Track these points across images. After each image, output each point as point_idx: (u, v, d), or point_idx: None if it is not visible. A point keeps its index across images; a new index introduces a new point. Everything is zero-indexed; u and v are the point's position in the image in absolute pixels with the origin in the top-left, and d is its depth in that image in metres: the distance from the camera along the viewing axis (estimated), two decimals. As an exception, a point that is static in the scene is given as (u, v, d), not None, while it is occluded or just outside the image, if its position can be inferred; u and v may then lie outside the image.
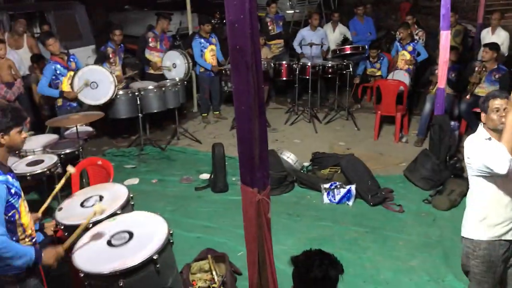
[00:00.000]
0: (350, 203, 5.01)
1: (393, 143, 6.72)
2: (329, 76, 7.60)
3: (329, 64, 7.51)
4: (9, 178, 2.65)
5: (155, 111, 6.54)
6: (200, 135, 7.24)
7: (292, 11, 11.35)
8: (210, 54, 7.54)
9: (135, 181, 5.72)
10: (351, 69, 7.51)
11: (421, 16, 10.32)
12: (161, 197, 5.33)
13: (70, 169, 3.31)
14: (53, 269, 3.43)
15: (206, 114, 7.99)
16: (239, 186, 5.35)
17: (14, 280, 2.76)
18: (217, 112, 8.07)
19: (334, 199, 5.03)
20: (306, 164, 5.84)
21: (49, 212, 4.58)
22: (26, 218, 2.81)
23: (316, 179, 5.36)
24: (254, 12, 1.62)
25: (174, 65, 7.10)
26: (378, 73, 7.87)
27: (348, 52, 7.59)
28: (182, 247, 4.04)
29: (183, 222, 4.70)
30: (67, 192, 4.59)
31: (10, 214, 2.63)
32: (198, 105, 8.25)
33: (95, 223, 2.99)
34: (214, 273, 3.65)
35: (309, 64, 7.36)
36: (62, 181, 3.32)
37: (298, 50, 8.27)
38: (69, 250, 2.84)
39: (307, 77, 7.41)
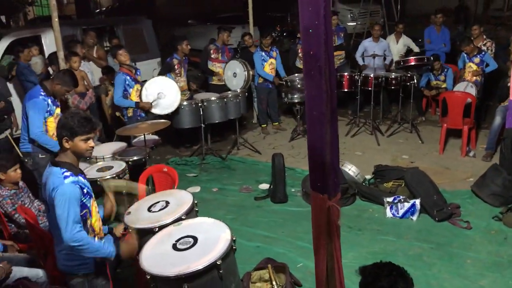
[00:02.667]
0: (414, 218, 4.85)
1: (459, 157, 6.46)
2: (392, 88, 7.44)
3: (392, 75, 7.37)
4: (81, 179, 2.80)
5: (217, 121, 6.68)
6: (259, 146, 7.31)
7: (354, 23, 11.26)
8: (269, 68, 7.68)
9: (196, 189, 5.85)
10: (415, 81, 7.32)
11: (490, 27, 9.91)
12: (222, 206, 5.41)
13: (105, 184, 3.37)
14: (119, 272, 3.58)
15: (265, 125, 8.08)
16: (298, 197, 5.38)
17: (84, 279, 2.90)
18: (276, 123, 8.12)
19: (398, 213, 4.89)
20: (368, 176, 5.73)
21: (117, 217, 4.79)
22: (96, 218, 2.96)
23: (378, 192, 5.24)
24: (329, 19, 1.63)
25: (235, 74, 7.24)
26: (443, 86, 7.62)
27: (413, 63, 7.40)
28: (242, 255, 4.07)
29: (243, 230, 4.73)
30: (132, 197, 4.79)
31: (82, 214, 2.77)
32: (258, 117, 8.35)
33: (161, 227, 3.08)
34: (274, 283, 3.64)
35: (371, 75, 7.26)
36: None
37: (361, 61, 8.17)
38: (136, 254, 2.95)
39: (369, 88, 7.30)
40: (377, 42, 8.02)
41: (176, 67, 6.90)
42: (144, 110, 5.97)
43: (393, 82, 7.34)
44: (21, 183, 4.24)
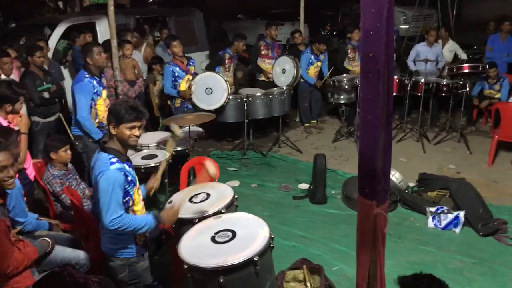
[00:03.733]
0: (457, 230, 4.70)
1: (509, 171, 6.21)
2: (443, 94, 7.23)
3: (444, 82, 7.16)
4: (126, 166, 2.87)
5: (261, 117, 6.71)
6: (301, 145, 7.28)
7: (407, 26, 11.00)
8: (314, 71, 7.72)
9: (236, 183, 5.89)
10: (467, 89, 7.08)
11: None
12: (260, 202, 5.43)
13: (177, 130, 3.48)
14: (156, 258, 3.66)
15: (308, 124, 8.04)
16: (338, 199, 5.33)
17: (125, 263, 2.99)
18: (314, 121, 8.11)
19: (440, 224, 4.76)
20: (411, 184, 5.60)
21: (156, 204, 4.90)
22: (139, 206, 3.03)
23: (421, 201, 5.11)
24: (391, 21, 1.60)
25: (284, 70, 7.23)
26: (497, 96, 7.34)
27: (466, 71, 7.16)
28: (277, 253, 4.05)
29: (280, 229, 4.73)
30: (174, 187, 4.88)
31: (125, 201, 2.85)
32: (300, 116, 8.32)
33: (201, 219, 3.12)
34: (308, 284, 3.62)
35: (422, 80, 7.08)
36: (170, 144, 3.56)
37: (412, 67, 7.98)
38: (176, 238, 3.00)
39: (419, 94, 7.13)
40: (430, 47, 7.81)
41: (226, 61, 7.00)
42: (190, 102, 6.07)
43: (444, 88, 7.13)
44: (69, 165, 4.40)
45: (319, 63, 7.73)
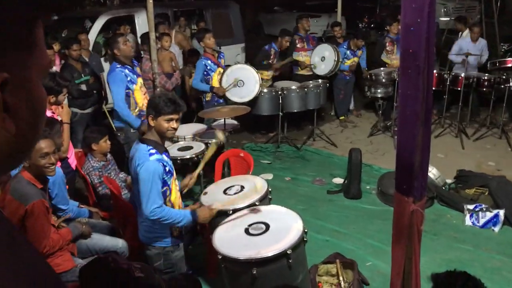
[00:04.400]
0: (496, 229, 4.59)
1: (554, 169, 5.99)
2: (484, 89, 7.02)
3: (485, 76, 6.95)
4: (164, 157, 2.94)
5: (295, 110, 6.69)
6: (336, 139, 7.24)
7: (447, 18, 10.71)
8: (349, 65, 7.63)
9: (269, 176, 5.91)
10: (510, 84, 6.85)
11: None
12: (293, 195, 5.43)
13: (219, 134, 3.52)
14: (191, 249, 3.73)
15: (343, 117, 7.98)
16: (373, 194, 5.29)
17: (160, 252, 3.07)
18: (343, 117, 8.02)
19: (478, 222, 4.65)
20: (449, 181, 5.49)
21: (191, 194, 4.98)
22: (175, 196, 3.10)
23: (459, 198, 5.01)
24: (433, 17, 1.58)
25: (323, 58, 7.18)
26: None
27: (510, 65, 6.93)
28: (311, 247, 4.06)
29: (313, 223, 4.73)
30: (208, 178, 4.95)
31: (162, 190, 2.92)
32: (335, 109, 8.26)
33: (236, 211, 3.17)
34: (341, 278, 3.62)
35: (462, 75, 6.90)
36: (213, 148, 3.54)
37: (455, 59, 7.74)
38: (210, 231, 3.06)
39: (459, 88, 6.95)
40: (475, 43, 7.58)
41: (271, 56, 7.03)
42: (220, 96, 6.10)
43: (485, 83, 6.93)
44: (109, 156, 4.52)
45: (355, 59, 7.65)
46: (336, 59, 7.06)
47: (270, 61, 7.08)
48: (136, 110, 4.91)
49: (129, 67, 4.87)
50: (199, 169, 3.47)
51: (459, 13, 11.17)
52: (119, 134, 5.03)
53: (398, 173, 1.89)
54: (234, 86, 6.02)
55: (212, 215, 3.07)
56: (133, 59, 5.14)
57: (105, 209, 4.12)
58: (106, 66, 7.31)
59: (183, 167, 4.76)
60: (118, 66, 4.79)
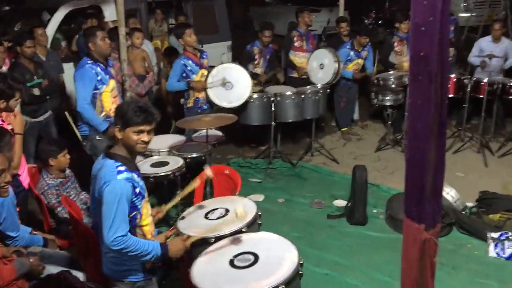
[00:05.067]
0: (525, 261, 4.63)
1: None
2: (510, 97, 7.11)
3: (512, 82, 7.06)
4: (135, 176, 2.93)
5: (290, 120, 6.71)
6: (338, 154, 7.27)
7: (468, 14, 10.89)
8: (353, 68, 7.76)
9: (259, 197, 5.92)
10: (541, 91, 6.97)
11: None
12: (287, 220, 5.44)
13: (208, 172, 3.53)
14: (164, 283, 3.71)
15: (346, 129, 8.04)
16: (381, 220, 5.32)
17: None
18: (345, 128, 8.08)
19: (503, 253, 4.69)
20: (469, 204, 5.53)
21: (166, 220, 4.96)
22: (147, 221, 3.09)
23: (481, 225, 5.05)
24: (446, 15, 1.61)
25: (322, 65, 7.23)
26: None
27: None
28: (307, 282, 4.02)
29: (310, 253, 4.72)
30: (187, 200, 4.93)
31: (131, 216, 2.90)
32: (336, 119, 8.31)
33: (219, 239, 3.16)
34: (343, 319, 3.63)
35: (485, 80, 6.98)
36: (196, 182, 3.54)
37: (476, 61, 7.84)
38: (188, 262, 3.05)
39: (481, 96, 7.04)
40: (497, 43, 7.70)
41: (256, 56, 7.05)
42: (205, 98, 6.08)
43: (512, 91, 7.03)
44: (68, 171, 4.50)
45: (359, 61, 7.72)
46: (335, 72, 7.10)
47: (255, 62, 7.10)
48: (102, 114, 4.91)
49: (102, 65, 4.89)
50: (172, 203, 3.47)
51: (481, 8, 11.37)
52: (84, 143, 5.02)
53: (407, 195, 1.90)
54: (223, 85, 5.98)
55: (187, 247, 3.06)
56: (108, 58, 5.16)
57: (63, 236, 4.09)
58: (68, 66, 7.30)
59: (157, 187, 4.76)
60: (89, 62, 4.81)
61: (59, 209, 4.24)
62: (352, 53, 7.63)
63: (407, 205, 1.89)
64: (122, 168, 2.84)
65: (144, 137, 2.91)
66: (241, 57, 7.50)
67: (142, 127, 2.88)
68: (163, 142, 5.33)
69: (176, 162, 4.76)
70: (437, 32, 1.59)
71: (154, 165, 4.77)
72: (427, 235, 1.87)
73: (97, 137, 4.91)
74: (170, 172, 4.55)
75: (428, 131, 1.69)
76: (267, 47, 7.38)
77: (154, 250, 2.91)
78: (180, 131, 6.03)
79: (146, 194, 3.06)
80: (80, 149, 5.13)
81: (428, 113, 1.67)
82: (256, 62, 7.09)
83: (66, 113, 6.12)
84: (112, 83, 5.02)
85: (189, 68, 5.93)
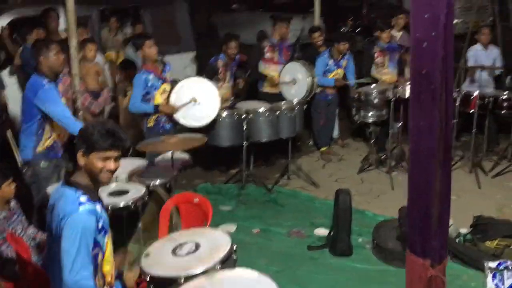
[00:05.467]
0: (527, 292, 4.69)
1: None
2: (503, 112, 7.26)
3: (505, 95, 7.21)
4: (98, 208, 2.87)
5: (264, 140, 6.72)
6: (317, 176, 7.30)
7: (454, 21, 11.13)
8: None
9: (231, 228, 5.87)
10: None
11: None
12: (264, 253, 5.40)
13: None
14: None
15: (325, 149, 8.07)
16: (367, 250, 5.33)
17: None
18: (324, 149, 8.13)
19: (503, 285, 4.73)
20: (464, 230, 5.58)
21: (128, 258, 4.86)
22: (109, 260, 3.02)
23: (477, 254, 5.10)
24: (450, 29, 1.62)
25: (294, 80, 7.27)
26: None
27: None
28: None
29: (291, 289, 4.72)
30: (150, 233, 4.86)
31: (93, 254, 2.83)
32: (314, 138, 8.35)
33: (187, 278, 3.10)
34: None
35: (475, 93, 7.12)
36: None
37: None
38: None
39: (471, 111, 7.17)
40: (486, 50, 7.88)
41: (220, 70, 7.03)
42: (168, 117, 6.03)
43: (504, 104, 7.17)
44: (13, 203, 4.38)
45: (339, 71, 7.78)
46: (309, 88, 7.16)
47: (219, 77, 7.07)
48: (50, 140, 4.84)
49: (55, 84, 4.89)
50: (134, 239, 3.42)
51: (467, 14, 11.64)
52: (24, 170, 4.91)
53: (412, 228, 1.90)
54: (194, 103, 5.96)
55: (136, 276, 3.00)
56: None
57: (9, 278, 3.97)
58: (10, 81, 7.17)
59: (116, 220, 4.66)
60: (46, 81, 4.78)
61: (3, 247, 4.12)
62: (331, 62, 7.68)
63: (411, 239, 1.89)
64: (84, 198, 2.78)
65: (110, 164, 2.86)
66: (205, 73, 7.50)
67: (108, 153, 2.83)
68: (121, 167, 5.24)
69: (137, 190, 4.67)
70: (441, 48, 1.60)
71: (111, 194, 4.68)
72: (434, 272, 1.87)
73: (42, 163, 4.82)
74: (130, 202, 4.47)
75: (433, 157, 1.70)
76: (233, 60, 7.33)
77: None
78: (139, 153, 5.97)
79: (109, 229, 2.99)
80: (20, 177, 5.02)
81: (432, 136, 1.68)
82: (220, 76, 7.03)
83: (8, 134, 6.00)
84: (63, 101, 4.97)
85: (150, 83, 5.89)
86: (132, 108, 6.03)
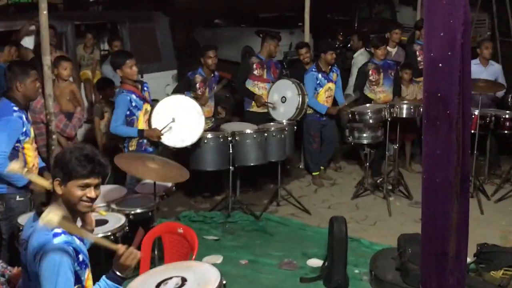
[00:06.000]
0: (536, 326, 4.67)
1: None
2: (505, 132, 7.31)
3: (506, 115, 7.26)
4: (76, 240, 2.81)
5: (252, 164, 6.70)
6: (308, 202, 7.29)
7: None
8: (325, 95, 7.80)
9: (217, 259, 5.81)
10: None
11: None
12: (253, 286, 5.36)
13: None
14: None
15: (317, 173, 8.05)
16: (364, 282, 5.29)
17: None
18: (317, 173, 8.10)
19: (510, 318, 4.73)
20: (468, 260, 5.57)
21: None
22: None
23: (482, 284, 5.07)
24: (468, 49, 1.61)
25: (284, 98, 7.26)
26: None
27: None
28: None
29: (283, 327, 4.67)
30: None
31: (73, 291, 2.77)
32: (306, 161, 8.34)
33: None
34: None
35: (475, 112, 7.16)
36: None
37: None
38: None
39: (472, 131, 7.18)
40: (485, 66, 7.96)
41: (198, 85, 6.97)
42: (152, 141, 5.99)
43: (507, 124, 7.23)
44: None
45: (331, 85, 7.76)
46: (299, 106, 7.17)
47: (198, 92, 7.00)
48: (25, 170, 4.76)
49: (25, 112, 4.83)
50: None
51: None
52: None
53: (424, 266, 1.87)
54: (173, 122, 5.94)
55: None
56: None
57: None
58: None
59: (94, 252, 4.59)
60: (16, 109, 4.71)
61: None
62: (320, 75, 7.67)
63: (424, 276, 1.86)
64: (59, 230, 2.71)
65: (90, 192, 2.81)
66: (178, 85, 7.44)
67: (88, 181, 2.78)
68: (100, 195, 5.19)
69: (116, 220, 4.62)
70: (458, 70, 1.58)
71: (89, 224, 4.62)
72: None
73: (18, 197, 4.75)
74: (109, 233, 4.41)
75: (450, 188, 1.67)
76: (212, 73, 7.25)
77: None
78: (118, 181, 5.90)
79: (89, 263, 2.93)
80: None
81: (449, 165, 1.65)
82: (198, 92, 6.95)
83: None
84: (32, 131, 4.94)
85: (134, 104, 5.83)
86: (114, 130, 5.95)
